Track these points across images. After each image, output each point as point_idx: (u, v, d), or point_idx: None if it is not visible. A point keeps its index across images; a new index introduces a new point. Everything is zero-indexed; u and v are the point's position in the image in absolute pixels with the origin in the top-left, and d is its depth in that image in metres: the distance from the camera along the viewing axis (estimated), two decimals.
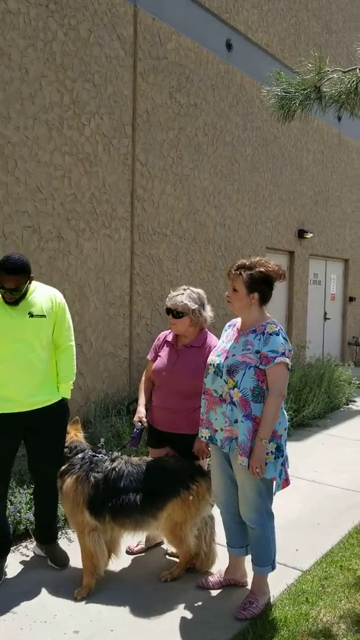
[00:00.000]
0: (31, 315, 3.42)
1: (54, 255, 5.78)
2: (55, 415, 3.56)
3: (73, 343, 3.67)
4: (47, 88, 5.64)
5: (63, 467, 3.48)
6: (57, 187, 5.82)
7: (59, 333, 3.56)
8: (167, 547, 3.84)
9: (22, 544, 3.88)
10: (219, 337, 3.55)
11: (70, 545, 3.88)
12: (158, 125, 7.15)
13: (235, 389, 3.10)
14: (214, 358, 3.28)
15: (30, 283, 3.43)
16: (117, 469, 3.43)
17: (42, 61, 5.57)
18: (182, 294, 3.66)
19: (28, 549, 3.83)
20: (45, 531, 3.70)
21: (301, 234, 10.53)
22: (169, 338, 3.82)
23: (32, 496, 3.93)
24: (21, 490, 4.06)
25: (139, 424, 3.70)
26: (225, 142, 8.49)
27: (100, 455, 3.54)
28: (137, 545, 3.85)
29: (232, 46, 8.50)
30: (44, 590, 3.39)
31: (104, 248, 6.45)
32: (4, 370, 3.40)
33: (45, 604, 3.25)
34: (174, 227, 7.51)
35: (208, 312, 3.71)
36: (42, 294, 3.51)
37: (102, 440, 5.00)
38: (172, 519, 3.39)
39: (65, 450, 3.55)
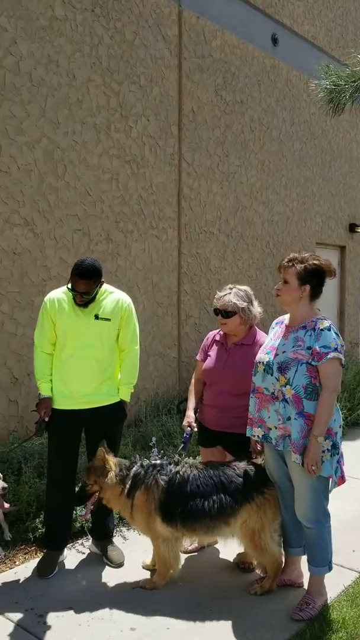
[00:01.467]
0: (97, 317, 3.50)
1: (103, 257, 5.86)
2: (111, 416, 3.63)
3: (137, 347, 3.71)
4: (94, 92, 5.71)
5: (127, 486, 3.37)
6: (105, 189, 5.89)
7: (123, 336, 3.62)
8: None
9: (78, 541, 3.95)
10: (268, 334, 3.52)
11: (125, 543, 3.93)
12: (204, 123, 7.14)
13: (288, 386, 3.07)
14: (262, 356, 3.25)
15: (100, 287, 3.51)
16: (181, 472, 3.38)
17: (89, 65, 5.65)
18: (229, 293, 3.64)
19: (84, 546, 3.90)
20: (101, 528, 3.76)
21: (352, 228, 10.30)
22: (218, 337, 3.81)
23: None
24: (77, 488, 4.12)
25: (188, 428, 3.70)
26: (272, 137, 8.39)
27: (156, 457, 3.56)
28: (191, 544, 3.86)
29: (278, 40, 8.40)
30: (100, 588, 3.44)
31: (152, 248, 6.49)
32: (66, 368, 3.53)
33: (102, 601, 3.30)
34: (221, 225, 7.49)
35: (257, 309, 3.69)
36: (111, 298, 3.58)
37: (153, 439, 5.03)
38: (248, 526, 3.28)
39: (119, 473, 3.39)
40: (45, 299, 3.62)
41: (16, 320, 5.14)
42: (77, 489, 3.60)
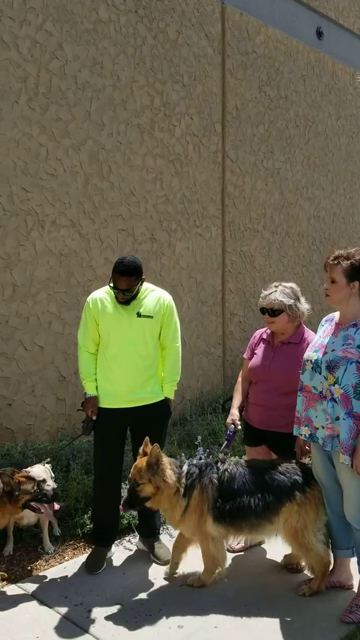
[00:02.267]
0: (139, 315, 3.53)
1: (147, 257, 5.89)
2: (156, 414, 3.64)
3: (179, 344, 3.72)
4: (137, 92, 5.75)
5: (183, 485, 3.30)
6: (149, 189, 5.92)
7: (165, 334, 3.64)
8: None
9: (125, 537, 3.99)
10: (316, 333, 3.46)
11: (172, 540, 3.94)
12: (248, 120, 7.09)
13: (336, 385, 3.01)
14: (311, 354, 3.20)
15: (141, 284, 3.55)
16: (228, 470, 3.37)
17: (133, 66, 5.69)
18: (275, 291, 3.60)
19: (131, 543, 3.94)
20: (148, 525, 3.79)
21: None
22: (265, 335, 3.78)
23: None
24: (123, 486, 4.16)
25: (232, 426, 3.68)
26: (318, 132, 8.26)
27: (202, 456, 3.55)
28: (238, 544, 3.84)
29: (323, 34, 8.26)
30: (147, 585, 3.47)
31: (196, 247, 6.49)
32: (111, 366, 3.56)
33: (149, 598, 3.32)
34: (265, 222, 7.42)
35: (304, 305, 3.64)
36: (152, 296, 3.61)
37: (199, 438, 5.02)
38: (290, 524, 3.26)
39: (176, 471, 3.34)
40: (87, 299, 3.67)
41: (63, 320, 5.22)
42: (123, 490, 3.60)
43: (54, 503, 3.54)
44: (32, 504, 3.42)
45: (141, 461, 3.28)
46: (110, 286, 3.53)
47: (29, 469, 3.67)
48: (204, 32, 6.44)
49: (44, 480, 3.56)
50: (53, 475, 3.83)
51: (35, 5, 4.85)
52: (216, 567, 3.38)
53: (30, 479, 3.45)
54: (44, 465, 3.78)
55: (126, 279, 3.42)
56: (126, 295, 3.48)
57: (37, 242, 5.00)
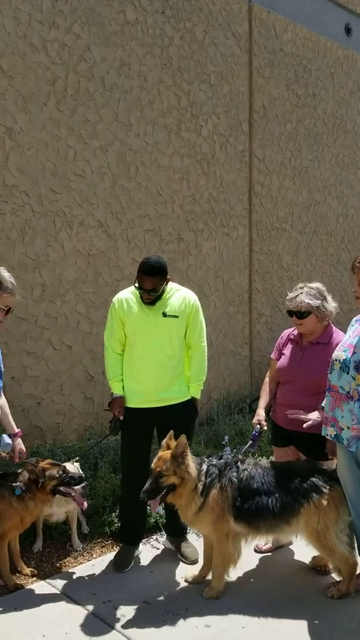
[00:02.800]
0: (165, 315, 3.55)
1: (174, 257, 5.91)
2: (183, 414, 3.65)
3: (205, 344, 3.73)
4: (164, 93, 5.77)
5: (202, 483, 3.28)
6: (176, 189, 5.94)
7: (191, 333, 3.65)
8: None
9: (152, 536, 4.01)
10: (344, 332, 3.42)
11: (199, 540, 3.94)
12: (275, 119, 7.05)
13: None
14: (339, 353, 3.17)
15: (166, 284, 3.56)
16: (248, 470, 3.37)
17: (160, 67, 5.71)
18: (301, 293, 3.57)
19: (159, 542, 3.95)
20: (175, 524, 3.80)
21: None
22: (293, 336, 3.76)
23: None
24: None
25: (258, 426, 3.67)
26: (347, 130, 8.17)
27: (228, 456, 3.54)
28: (265, 545, 3.83)
29: (352, 30, 8.16)
30: (174, 583, 3.48)
31: (223, 247, 6.48)
32: (137, 366, 3.58)
33: (177, 596, 3.34)
34: (293, 221, 7.37)
35: (331, 304, 3.61)
36: (177, 295, 3.63)
37: (226, 438, 5.03)
38: (311, 526, 3.24)
39: (197, 467, 3.32)
40: (113, 299, 3.70)
41: (91, 319, 5.27)
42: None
43: (83, 500, 3.55)
44: (60, 488, 3.40)
45: (166, 453, 3.25)
46: (135, 286, 3.55)
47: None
48: (230, 31, 6.43)
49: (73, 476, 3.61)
50: (83, 474, 3.87)
51: (64, 8, 4.90)
52: (228, 567, 3.33)
53: (55, 464, 3.44)
54: (72, 464, 3.82)
55: (151, 279, 3.44)
56: (151, 295, 3.50)
57: (66, 243, 5.06)
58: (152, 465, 3.23)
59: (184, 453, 3.23)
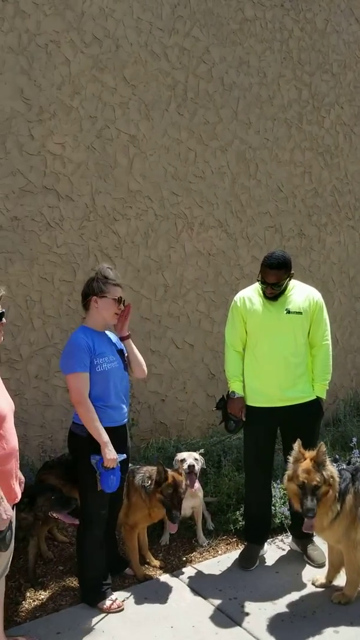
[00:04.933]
0: (288, 311, 3.50)
1: (295, 253, 5.79)
2: (308, 414, 3.57)
3: (329, 341, 3.63)
4: (284, 87, 5.68)
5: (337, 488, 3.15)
6: (297, 184, 5.82)
7: (315, 331, 3.57)
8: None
9: (278, 537, 3.97)
10: None
11: (326, 543, 3.84)
12: None
13: None
14: None
15: (290, 279, 3.51)
16: None
17: (279, 61, 5.63)
18: None
19: (284, 543, 3.91)
20: (301, 526, 3.72)
21: None
22: None
23: (285, 491, 3.99)
24: (275, 485, 4.14)
25: None
26: None
27: (356, 457, 3.41)
28: None
29: None
30: (301, 585, 3.42)
31: (348, 240, 6.24)
32: (260, 365, 3.56)
33: (304, 599, 3.28)
34: None
35: None
36: (300, 292, 3.57)
37: (353, 440, 4.84)
38: None
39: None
40: (235, 298, 3.70)
41: (212, 318, 5.33)
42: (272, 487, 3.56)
43: (194, 477, 3.55)
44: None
45: (308, 463, 3.08)
46: (258, 280, 3.53)
47: (178, 454, 3.86)
48: (354, 17, 6.17)
49: (184, 460, 3.74)
50: (200, 458, 3.89)
51: (183, 13, 4.99)
52: None
53: (173, 485, 3.38)
54: (197, 453, 3.91)
55: (275, 273, 3.40)
56: (274, 289, 3.45)
57: (187, 244, 5.15)
58: (304, 480, 3.06)
59: (325, 460, 3.12)
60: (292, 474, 3.12)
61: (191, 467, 3.74)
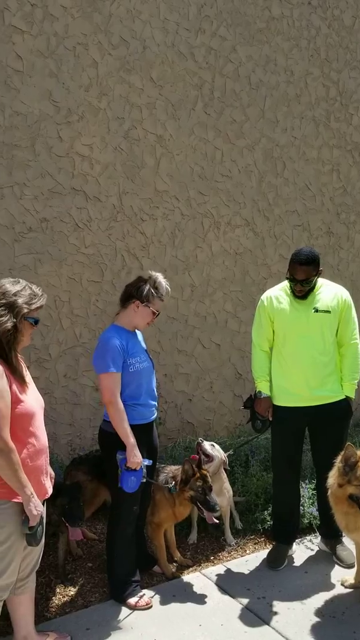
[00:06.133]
0: (316, 310, 3.48)
1: (323, 252, 5.74)
2: (336, 414, 3.55)
3: (358, 341, 3.59)
4: (312, 85, 5.64)
5: None
6: (325, 182, 5.77)
7: (343, 330, 3.54)
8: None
9: (306, 537, 3.95)
10: None
11: (353, 544, 3.81)
12: None
13: None
14: None
15: (318, 277, 3.49)
16: None
17: (307, 59, 5.59)
18: None
19: (313, 543, 3.88)
20: (330, 526, 3.69)
21: None
22: None
23: (314, 491, 3.97)
24: (303, 485, 4.12)
25: None
26: None
27: None
28: None
29: None
30: (330, 585, 3.40)
31: None
32: (288, 364, 3.54)
33: (333, 599, 3.26)
34: None
35: None
36: (328, 291, 3.54)
37: None
38: None
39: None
40: (262, 297, 3.68)
41: (239, 318, 5.32)
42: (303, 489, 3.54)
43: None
44: (197, 503, 3.37)
45: (338, 462, 3.13)
46: (287, 278, 3.51)
47: (202, 442, 3.80)
48: None
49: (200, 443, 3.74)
50: (221, 452, 3.85)
51: (210, 13, 4.99)
52: None
53: (204, 479, 3.38)
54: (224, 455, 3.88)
55: (304, 269, 3.38)
56: (304, 286, 3.43)
57: (213, 243, 5.15)
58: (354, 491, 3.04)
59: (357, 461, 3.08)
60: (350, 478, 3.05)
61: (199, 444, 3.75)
